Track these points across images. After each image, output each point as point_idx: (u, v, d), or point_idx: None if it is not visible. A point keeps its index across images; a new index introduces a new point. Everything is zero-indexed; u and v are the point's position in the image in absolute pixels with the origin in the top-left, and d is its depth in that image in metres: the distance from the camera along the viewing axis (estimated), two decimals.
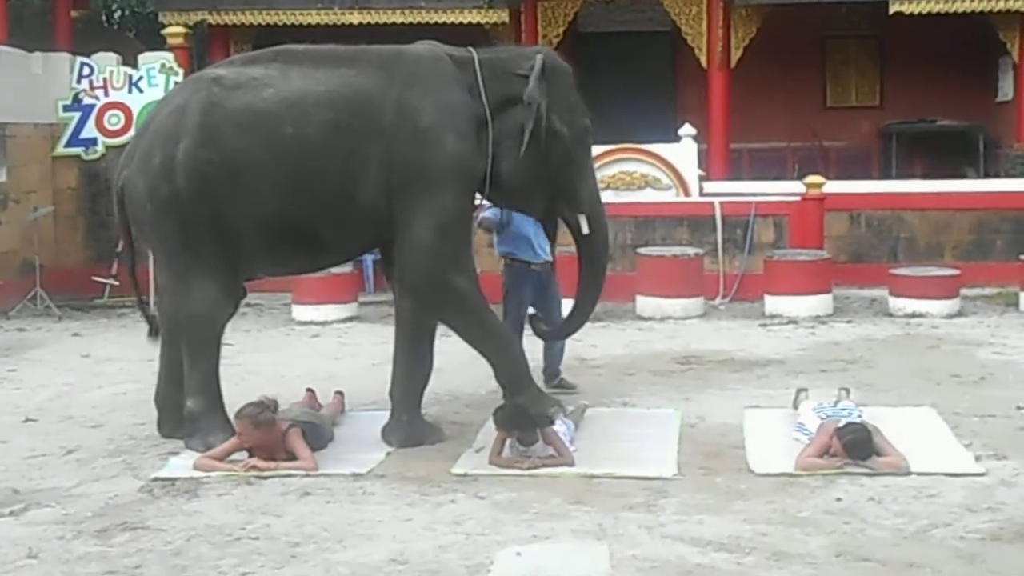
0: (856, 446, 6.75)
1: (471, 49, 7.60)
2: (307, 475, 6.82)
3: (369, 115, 7.21)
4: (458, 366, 8.58)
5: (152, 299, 9.47)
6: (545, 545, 5.60)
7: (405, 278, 7.44)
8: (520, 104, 7.24)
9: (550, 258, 8.66)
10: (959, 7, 15.00)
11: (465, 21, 15.46)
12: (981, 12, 15.11)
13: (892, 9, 15.05)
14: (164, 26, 15.49)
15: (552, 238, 8.04)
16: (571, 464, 6.93)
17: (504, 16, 15.57)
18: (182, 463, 7.12)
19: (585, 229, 7.64)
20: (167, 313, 7.69)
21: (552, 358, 8.99)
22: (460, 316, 7.50)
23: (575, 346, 9.52)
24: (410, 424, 7.54)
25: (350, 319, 12.58)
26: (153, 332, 7.93)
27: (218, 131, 7.21)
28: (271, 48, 7.71)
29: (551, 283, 8.81)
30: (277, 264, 7.92)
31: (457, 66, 7.41)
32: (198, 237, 7.28)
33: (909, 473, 6.64)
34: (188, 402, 7.46)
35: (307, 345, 11.32)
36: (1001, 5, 14.99)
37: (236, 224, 7.26)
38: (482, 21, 15.54)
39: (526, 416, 7.02)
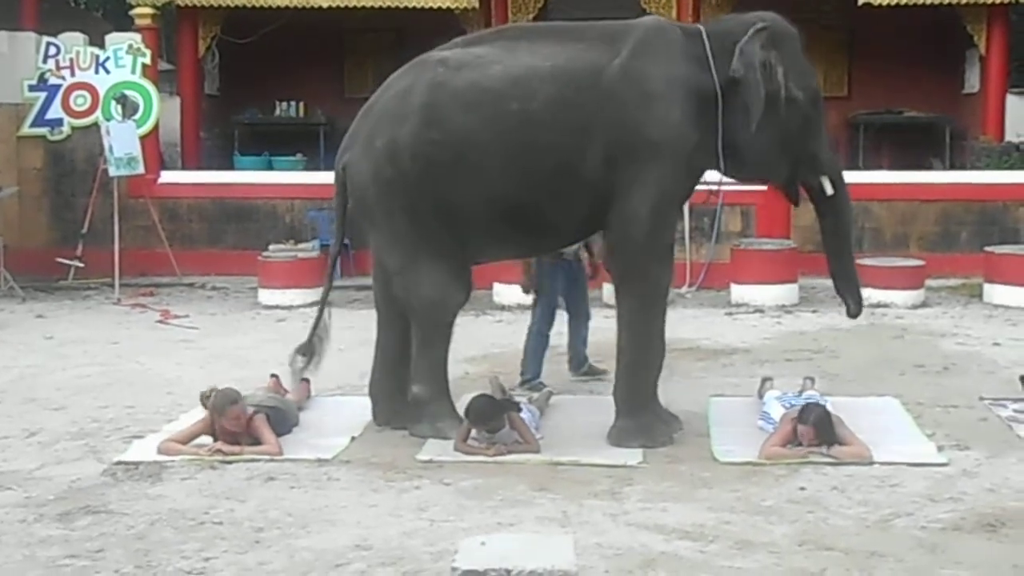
0: (823, 423, 6.82)
1: (699, 24, 7.31)
2: (272, 460, 6.80)
3: (595, 86, 7.00)
4: None
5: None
6: (510, 534, 5.60)
7: (613, 249, 7.29)
8: (747, 77, 6.99)
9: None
10: None
11: (435, 6, 15.39)
12: (949, 4, 15.17)
13: (861, 0, 15.09)
14: (132, 7, 15.35)
15: (795, 203, 7.87)
16: (536, 451, 6.94)
17: (474, 1, 15.52)
18: (145, 447, 7.09)
19: (829, 190, 7.44)
20: (399, 298, 7.44)
21: (577, 347, 9.03)
22: (637, 302, 7.26)
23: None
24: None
25: (316, 304, 12.50)
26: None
27: (443, 111, 7.06)
28: (494, 28, 7.46)
29: (581, 275, 8.91)
30: (502, 247, 7.69)
31: (687, 38, 7.21)
32: (425, 220, 7.13)
33: (872, 463, 6.69)
34: (415, 388, 7.37)
35: (273, 329, 11.27)
36: None
37: (462, 206, 7.10)
38: (452, 6, 15.46)
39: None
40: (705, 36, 7.21)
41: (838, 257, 7.74)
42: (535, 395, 8.06)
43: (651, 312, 7.29)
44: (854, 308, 7.83)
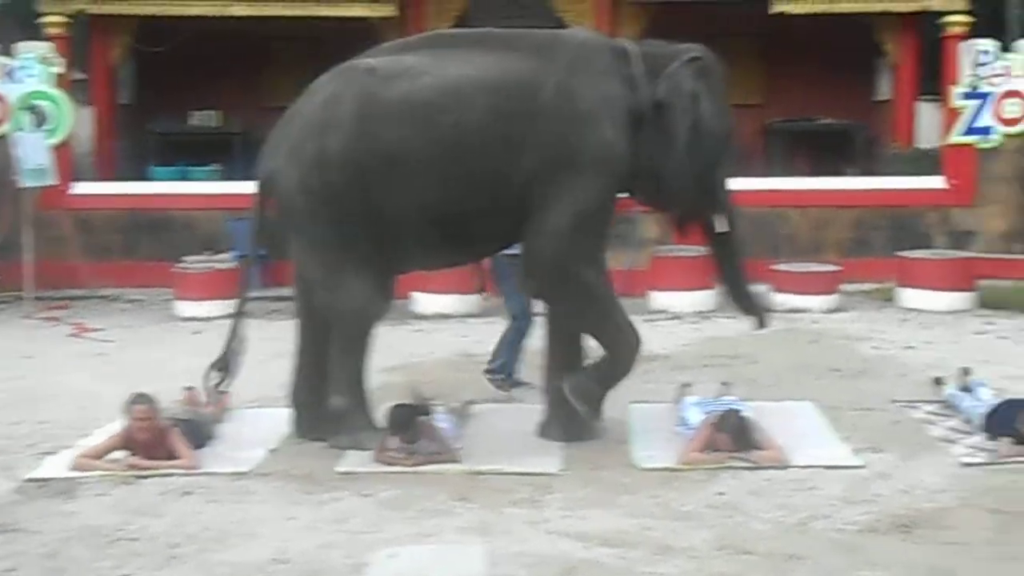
0: (740, 429, 6.90)
1: (626, 42, 7.48)
2: (187, 474, 6.71)
3: (528, 99, 7.01)
4: None
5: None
6: (421, 546, 5.59)
7: (532, 262, 7.23)
8: (673, 102, 7.12)
9: None
10: (839, 8, 15.26)
11: (352, 15, 15.32)
12: (861, 13, 15.40)
13: (774, 9, 15.26)
14: (42, 15, 15.11)
15: (684, 236, 7.95)
16: (456, 460, 6.92)
17: (392, 10, 15.47)
18: (58, 463, 6.97)
19: (722, 228, 7.46)
20: (320, 308, 7.35)
21: (509, 351, 8.87)
22: (584, 309, 7.32)
23: (462, 343, 9.54)
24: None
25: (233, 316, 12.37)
26: None
27: (375, 120, 7.01)
28: (422, 35, 7.43)
29: None
30: (429, 256, 7.60)
31: (616, 57, 7.25)
32: (351, 229, 7.06)
33: (789, 467, 6.76)
34: (334, 399, 7.26)
35: (189, 341, 11.12)
36: (879, 7, 15.29)
37: (392, 214, 7.05)
38: (369, 15, 15.41)
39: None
40: (634, 56, 7.26)
41: (733, 286, 7.79)
42: (455, 404, 8.04)
43: (605, 311, 7.34)
44: (761, 320, 7.89)
